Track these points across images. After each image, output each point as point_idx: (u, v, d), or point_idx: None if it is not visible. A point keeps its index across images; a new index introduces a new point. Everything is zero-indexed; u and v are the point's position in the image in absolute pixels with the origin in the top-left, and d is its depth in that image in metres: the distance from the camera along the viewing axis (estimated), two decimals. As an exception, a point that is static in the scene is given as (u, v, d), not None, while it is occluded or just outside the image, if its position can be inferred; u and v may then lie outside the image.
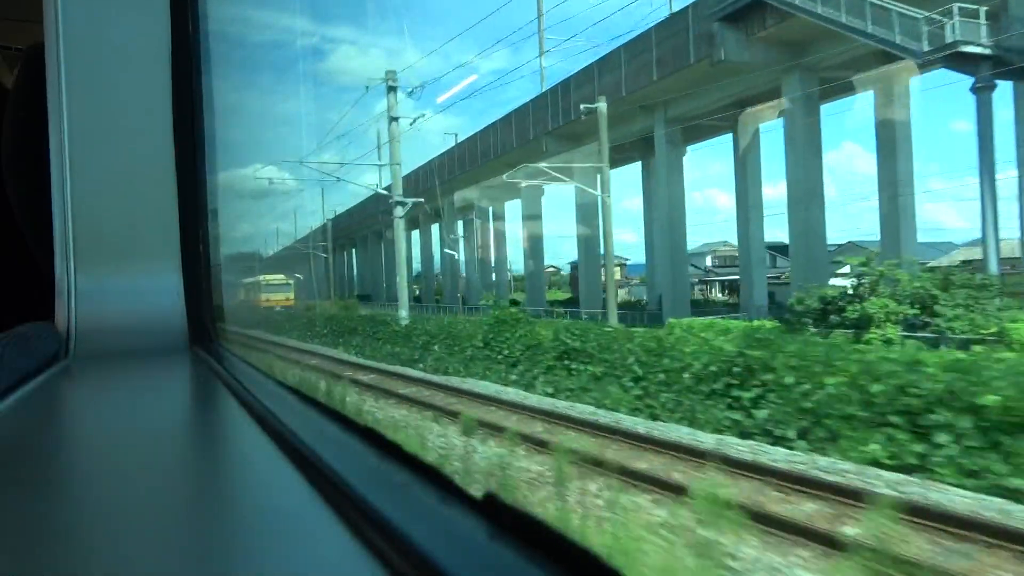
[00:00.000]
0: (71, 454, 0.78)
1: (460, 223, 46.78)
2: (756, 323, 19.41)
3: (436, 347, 17.49)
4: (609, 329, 15.13)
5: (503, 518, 0.43)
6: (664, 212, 28.92)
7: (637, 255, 50.60)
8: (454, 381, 13.71)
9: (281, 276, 38.54)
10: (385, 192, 26.58)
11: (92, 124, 1.36)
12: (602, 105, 21.98)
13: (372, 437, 0.64)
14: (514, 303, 40.04)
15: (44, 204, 1.35)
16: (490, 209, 44.97)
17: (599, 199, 30.60)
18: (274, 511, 0.56)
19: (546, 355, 13.83)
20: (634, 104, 27.39)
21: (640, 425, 9.27)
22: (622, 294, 42.40)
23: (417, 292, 50.78)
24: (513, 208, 47.38)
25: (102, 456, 0.76)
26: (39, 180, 1.36)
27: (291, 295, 37.81)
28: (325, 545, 0.47)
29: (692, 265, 39.31)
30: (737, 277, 44.92)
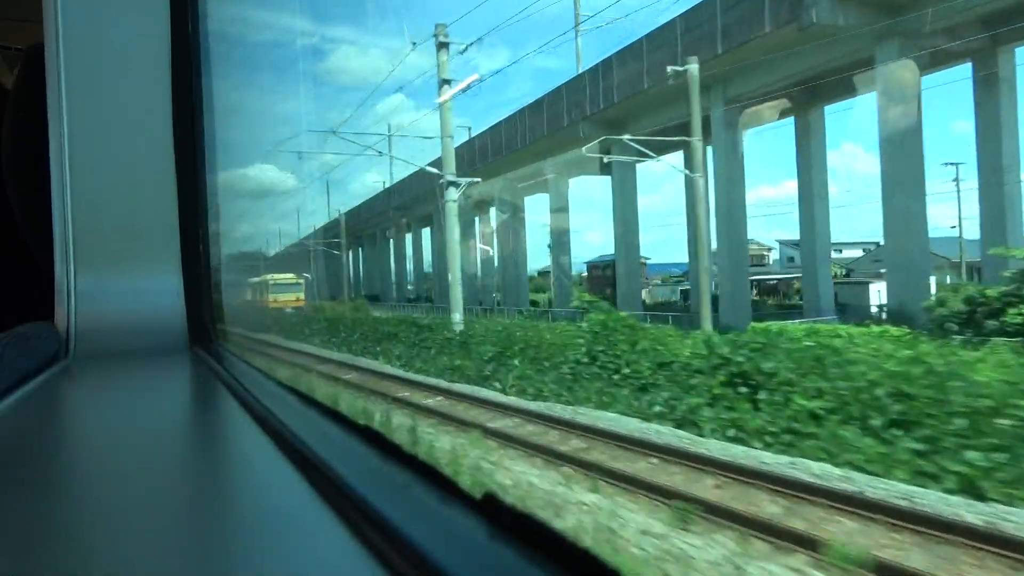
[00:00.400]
0: (71, 454, 0.78)
1: (476, 219, 45.13)
2: (876, 329, 15.81)
3: (516, 361, 13.76)
4: (811, 344, 10.51)
5: (503, 518, 0.43)
6: (721, 202, 25.26)
7: (653, 255, 50.05)
8: (560, 411, 10.09)
9: (291, 275, 36.07)
10: (433, 170, 22.86)
11: (92, 124, 1.36)
12: (693, 67, 18.99)
13: (372, 438, 0.64)
14: (534, 304, 38.96)
15: (44, 204, 1.35)
16: (513, 204, 41.57)
17: (631, 182, 28.64)
18: (274, 511, 0.56)
19: (698, 377, 10.10)
20: (686, 83, 24.02)
21: (966, 509, 5.60)
22: (643, 295, 41.15)
23: (429, 292, 49.63)
24: (531, 204, 45.21)
25: (102, 456, 0.76)
26: (39, 180, 1.36)
27: (302, 295, 35.49)
28: (325, 545, 0.47)
29: (715, 264, 38.38)
30: (766, 277, 43.53)
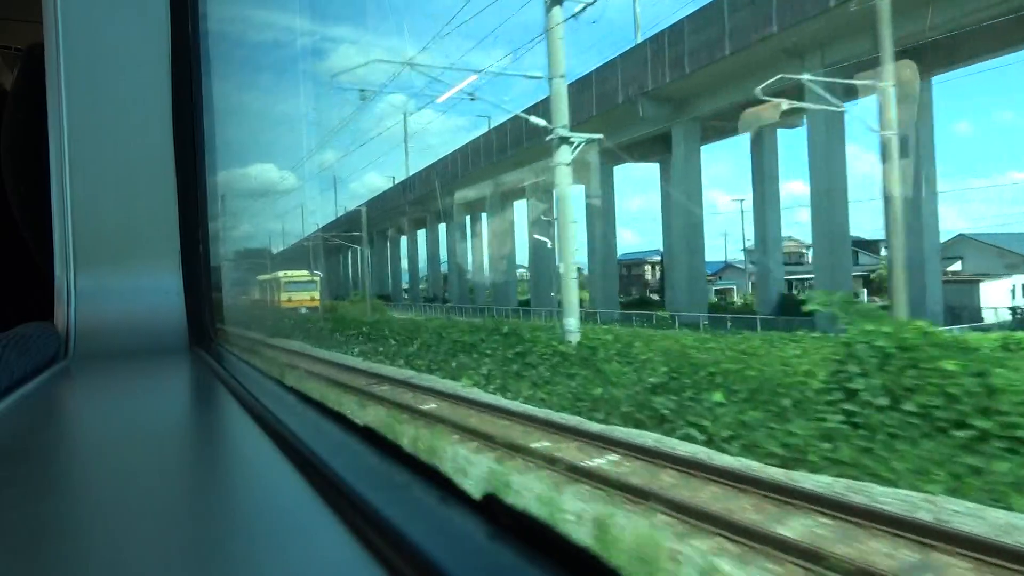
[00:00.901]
0: (71, 454, 0.78)
1: (482, 216, 42.21)
2: None
3: (717, 395, 9.10)
4: None
5: (503, 518, 0.43)
6: (819, 185, 21.19)
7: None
8: (883, 496, 5.78)
9: (305, 272, 33.77)
10: (540, 121, 17.59)
11: (92, 124, 1.36)
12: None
13: (372, 437, 0.64)
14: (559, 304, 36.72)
15: (44, 204, 1.35)
16: (551, 196, 38.68)
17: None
18: (274, 511, 0.56)
19: None
20: (777, 48, 20.14)
21: None
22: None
23: (445, 292, 48.51)
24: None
25: (102, 456, 0.76)
26: (39, 180, 1.36)
27: (317, 294, 33.16)
28: (325, 545, 0.47)
29: (751, 263, 35.47)
30: (807, 276, 41.82)
